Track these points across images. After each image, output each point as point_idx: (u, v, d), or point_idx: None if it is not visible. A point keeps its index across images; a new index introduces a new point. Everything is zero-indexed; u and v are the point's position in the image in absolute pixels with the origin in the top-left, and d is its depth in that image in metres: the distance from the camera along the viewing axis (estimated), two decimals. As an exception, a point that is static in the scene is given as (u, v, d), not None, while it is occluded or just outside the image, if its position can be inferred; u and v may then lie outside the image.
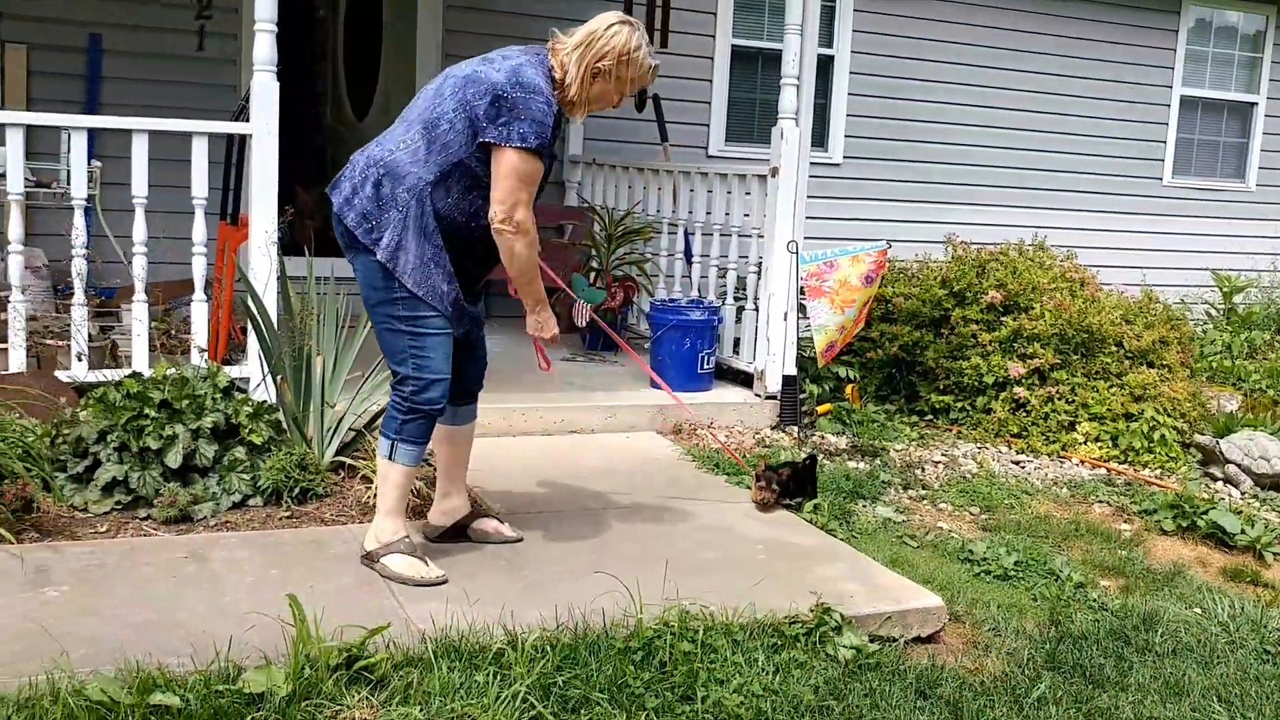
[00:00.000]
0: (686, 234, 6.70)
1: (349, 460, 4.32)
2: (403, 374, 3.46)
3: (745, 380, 6.05)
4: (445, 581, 3.45)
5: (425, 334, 3.42)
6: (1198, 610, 4.06)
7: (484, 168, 3.37)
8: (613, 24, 3.45)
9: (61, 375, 4.56)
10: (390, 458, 3.50)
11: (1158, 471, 5.71)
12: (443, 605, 3.24)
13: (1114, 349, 6.20)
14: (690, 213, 6.64)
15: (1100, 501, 5.23)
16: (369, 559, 3.53)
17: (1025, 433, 6.00)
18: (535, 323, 3.66)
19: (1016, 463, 5.70)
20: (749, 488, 4.70)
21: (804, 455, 4.81)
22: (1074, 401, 6.01)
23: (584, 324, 6.67)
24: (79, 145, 4.55)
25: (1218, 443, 5.81)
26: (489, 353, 3.88)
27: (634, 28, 3.48)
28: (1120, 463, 5.79)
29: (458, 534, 3.81)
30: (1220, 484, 5.67)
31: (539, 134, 3.31)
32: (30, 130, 4.64)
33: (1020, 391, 6.04)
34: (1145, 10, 9.68)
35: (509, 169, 3.33)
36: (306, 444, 4.25)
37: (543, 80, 3.36)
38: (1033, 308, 6.27)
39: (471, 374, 3.74)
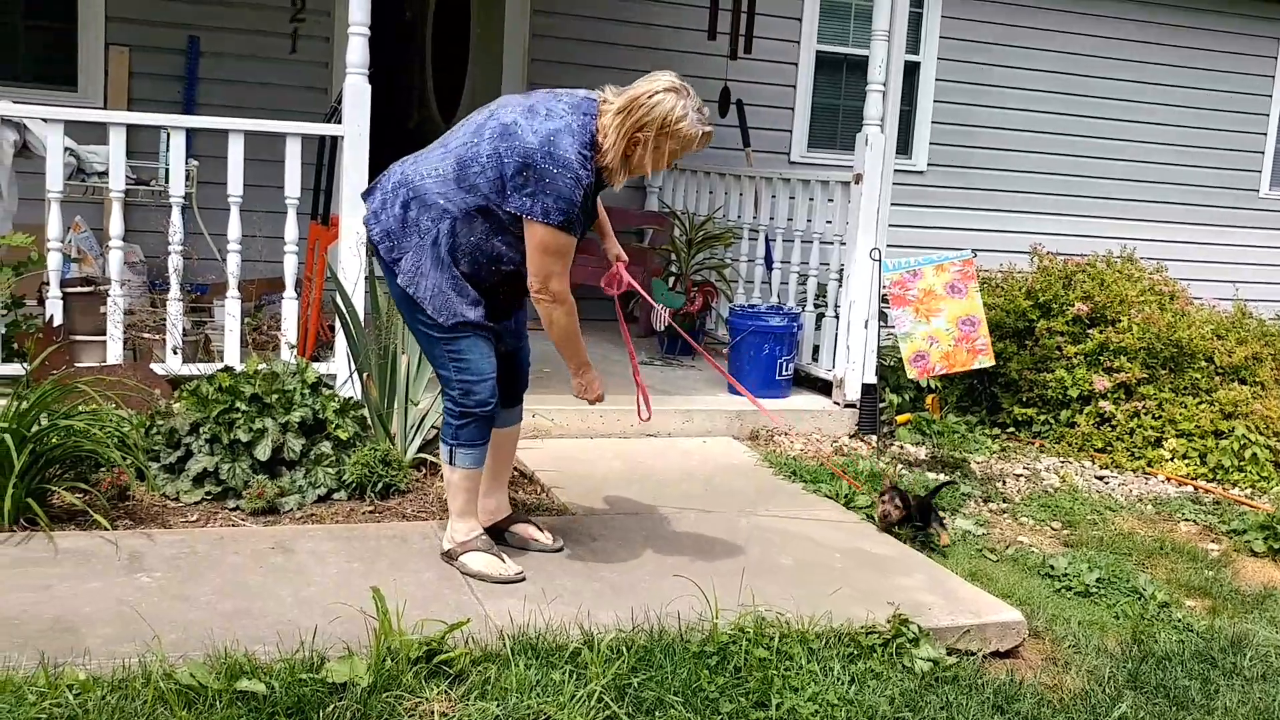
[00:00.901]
0: (767, 240, 6.68)
1: (431, 457, 4.38)
2: (447, 377, 3.48)
3: (824, 388, 6.02)
4: (523, 579, 3.49)
5: (459, 338, 3.42)
6: (1289, 635, 3.95)
7: (510, 217, 3.30)
8: (658, 91, 3.23)
9: (157, 368, 4.70)
10: (451, 463, 3.54)
11: (1248, 491, 5.56)
12: (520, 603, 3.28)
13: (1204, 364, 6.05)
14: (771, 218, 6.62)
15: (1187, 520, 5.11)
16: (448, 557, 3.58)
17: (1110, 448, 5.88)
18: (580, 385, 3.63)
19: (1100, 478, 5.59)
20: (827, 496, 4.68)
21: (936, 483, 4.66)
22: (1161, 417, 5.87)
23: (662, 328, 6.70)
24: (178, 144, 4.69)
25: (1313, 463, 5.63)
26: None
27: (681, 94, 3.24)
28: (1208, 481, 5.65)
29: (495, 536, 3.74)
30: (1315, 506, 5.50)
31: (564, 210, 3.21)
32: (131, 130, 4.80)
33: (1105, 405, 5.92)
34: (1244, 17, 9.43)
35: (537, 243, 3.27)
36: (390, 440, 4.33)
37: (576, 152, 3.22)
38: (1120, 321, 6.14)
39: (514, 383, 3.72)
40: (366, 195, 3.52)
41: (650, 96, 3.23)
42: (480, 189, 3.30)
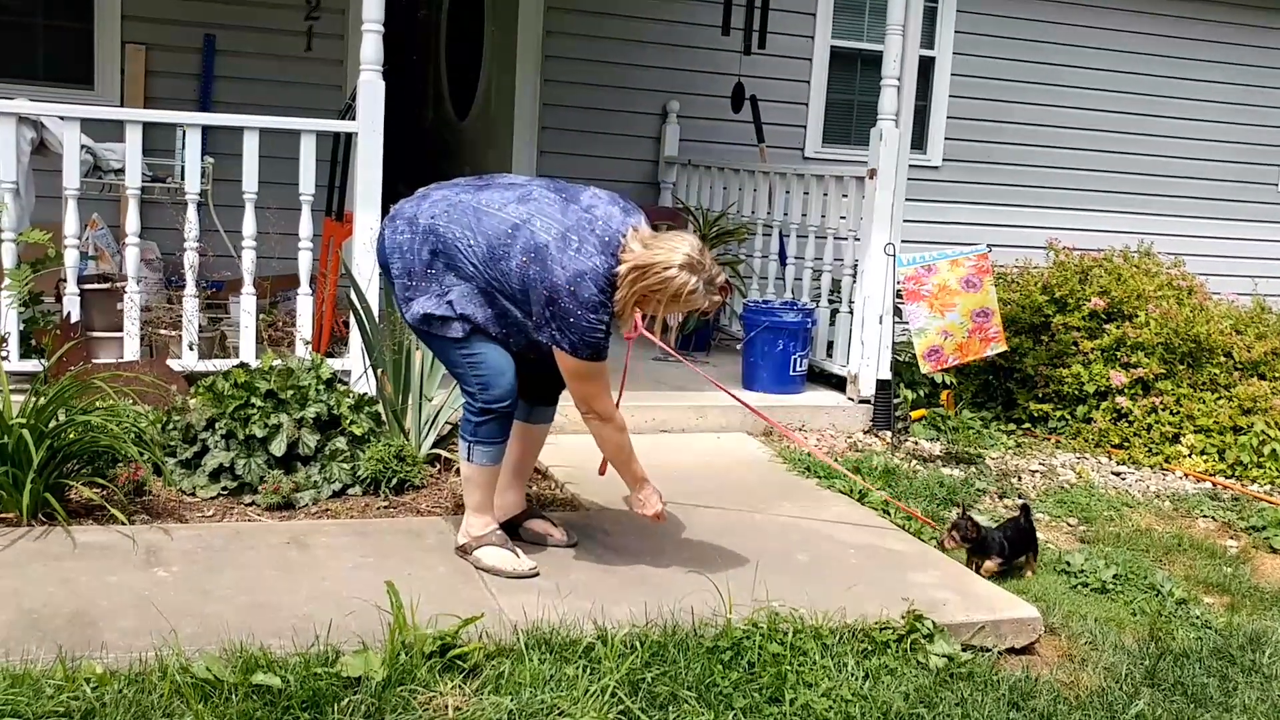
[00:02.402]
0: (781, 235, 6.67)
1: (445, 453, 4.40)
2: (463, 375, 3.50)
3: (838, 383, 6.01)
4: (537, 574, 3.50)
5: (471, 340, 3.44)
6: (1308, 632, 3.92)
7: (526, 316, 3.36)
8: (674, 266, 3.23)
9: (173, 364, 4.73)
10: (469, 459, 3.54)
11: (1267, 487, 5.52)
12: (534, 598, 3.29)
13: (1222, 359, 6.01)
14: (785, 214, 6.61)
15: (1205, 516, 5.08)
16: (463, 551, 3.59)
17: (1126, 443, 5.85)
18: (637, 500, 3.64)
19: (1117, 474, 5.56)
20: (842, 492, 4.67)
21: (1017, 509, 4.32)
22: (1179, 413, 5.84)
23: (675, 325, 6.70)
24: (194, 142, 4.71)
25: (1332, 459, 5.59)
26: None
27: (696, 270, 3.25)
28: (1227, 477, 5.62)
29: (509, 531, 3.73)
30: (1334, 502, 5.46)
31: (590, 344, 3.28)
32: (147, 127, 4.82)
33: (1122, 401, 5.89)
34: (1261, 9, 9.36)
35: (569, 371, 3.37)
36: (404, 436, 4.35)
37: (598, 294, 3.25)
38: (1137, 315, 6.11)
39: (549, 381, 3.69)
40: (390, 219, 3.51)
41: (666, 269, 3.23)
42: (504, 286, 3.35)
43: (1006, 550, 4.05)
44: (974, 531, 4.01)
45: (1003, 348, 5.31)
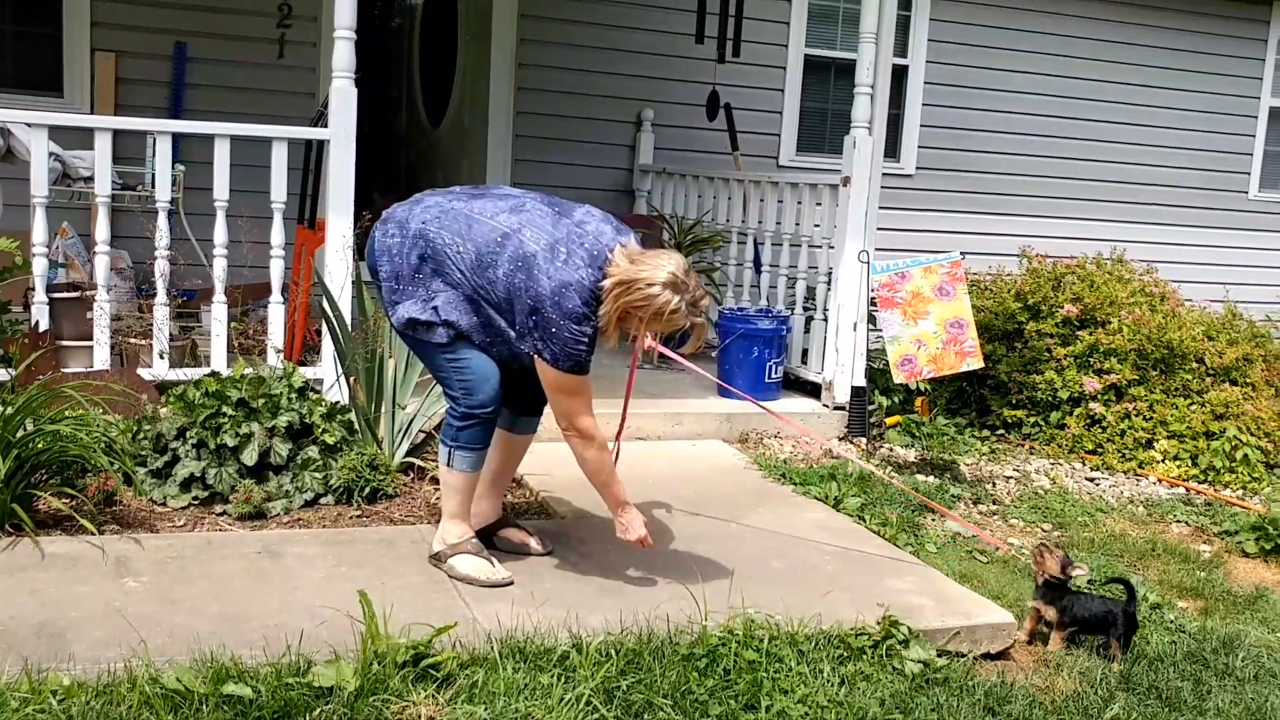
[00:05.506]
0: (756, 243, 6.68)
1: (418, 461, 4.37)
2: (447, 379, 3.49)
3: (813, 390, 6.01)
4: (511, 583, 3.48)
5: (457, 346, 3.44)
6: (1280, 634, 3.95)
7: (510, 326, 3.37)
8: (657, 284, 3.23)
9: (144, 373, 4.67)
10: (449, 464, 3.53)
11: (1239, 492, 5.57)
12: (509, 606, 3.26)
13: (1195, 365, 6.06)
14: (760, 222, 6.62)
15: (1178, 521, 5.11)
16: (437, 560, 3.57)
17: (1100, 449, 5.88)
18: (620, 525, 3.59)
19: (1091, 479, 5.59)
20: (817, 498, 4.68)
21: (1120, 588, 3.77)
22: (1152, 418, 5.88)
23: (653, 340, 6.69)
24: (164, 150, 4.67)
25: (1302, 463, 5.64)
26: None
27: (679, 290, 3.26)
28: (1200, 482, 5.66)
29: (484, 539, 3.70)
30: (1305, 506, 5.50)
31: (572, 356, 3.28)
32: (117, 135, 4.77)
33: (1096, 407, 5.93)
34: (1232, 19, 9.46)
35: (550, 383, 3.36)
36: (377, 444, 4.31)
37: (582, 306, 3.25)
38: (1110, 322, 6.15)
39: (533, 388, 3.63)
40: (382, 222, 3.51)
41: (649, 286, 3.24)
42: (490, 293, 3.36)
43: (1073, 618, 3.62)
44: (1061, 571, 3.65)
45: (979, 364, 5.30)
